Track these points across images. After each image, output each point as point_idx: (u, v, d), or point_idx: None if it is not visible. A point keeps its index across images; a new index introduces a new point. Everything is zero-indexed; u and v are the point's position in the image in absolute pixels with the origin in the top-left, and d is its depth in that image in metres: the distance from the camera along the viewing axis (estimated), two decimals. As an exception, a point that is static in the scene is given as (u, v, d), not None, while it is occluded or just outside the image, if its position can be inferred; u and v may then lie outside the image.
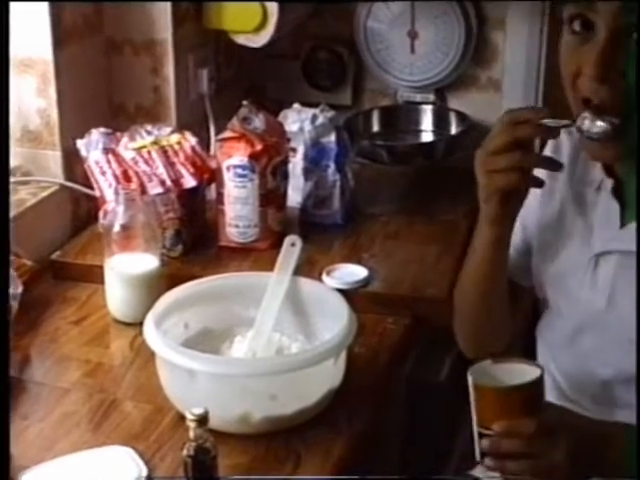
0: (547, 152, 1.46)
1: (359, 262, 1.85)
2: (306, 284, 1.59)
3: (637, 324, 1.23)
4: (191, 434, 1.24)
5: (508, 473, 1.26)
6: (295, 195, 2.02)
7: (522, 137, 1.27)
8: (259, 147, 1.86)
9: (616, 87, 1.21)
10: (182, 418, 1.32)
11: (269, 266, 1.60)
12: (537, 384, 1.26)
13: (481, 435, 1.26)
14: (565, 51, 1.28)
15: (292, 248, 1.59)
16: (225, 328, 1.59)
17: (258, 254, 1.89)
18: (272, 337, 1.55)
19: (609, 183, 1.38)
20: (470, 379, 1.26)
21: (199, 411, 1.23)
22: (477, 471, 1.58)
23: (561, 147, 1.46)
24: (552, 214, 1.47)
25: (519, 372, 1.27)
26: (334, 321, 1.47)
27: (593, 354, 1.42)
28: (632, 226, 1.34)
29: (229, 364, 1.45)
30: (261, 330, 1.54)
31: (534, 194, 1.42)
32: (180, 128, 2.02)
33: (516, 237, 1.48)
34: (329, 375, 1.45)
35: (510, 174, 1.28)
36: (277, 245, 1.66)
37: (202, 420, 1.23)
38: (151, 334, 1.44)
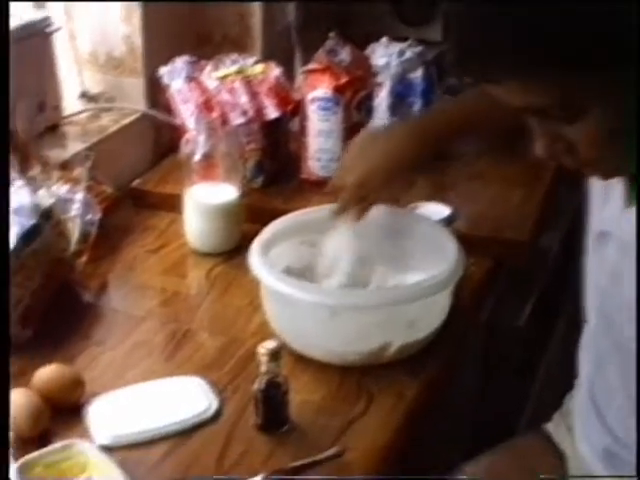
0: None
1: (442, 201, 1.79)
2: (402, 214, 1.59)
3: (637, 323, 1.12)
4: (263, 368, 1.23)
5: None
6: (380, 130, 1.98)
7: None
8: (344, 80, 1.81)
9: None
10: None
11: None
12: None
13: None
14: None
15: None
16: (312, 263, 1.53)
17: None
18: (370, 267, 1.52)
19: None
20: None
21: (272, 345, 1.22)
22: (550, 425, 1.52)
23: None
24: None
25: None
26: (437, 251, 1.46)
27: None
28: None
29: (370, 296, 1.42)
30: (357, 260, 1.50)
31: None
32: (265, 59, 1.99)
33: None
34: (445, 304, 1.45)
35: None
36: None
37: (275, 354, 1.22)
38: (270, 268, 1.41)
